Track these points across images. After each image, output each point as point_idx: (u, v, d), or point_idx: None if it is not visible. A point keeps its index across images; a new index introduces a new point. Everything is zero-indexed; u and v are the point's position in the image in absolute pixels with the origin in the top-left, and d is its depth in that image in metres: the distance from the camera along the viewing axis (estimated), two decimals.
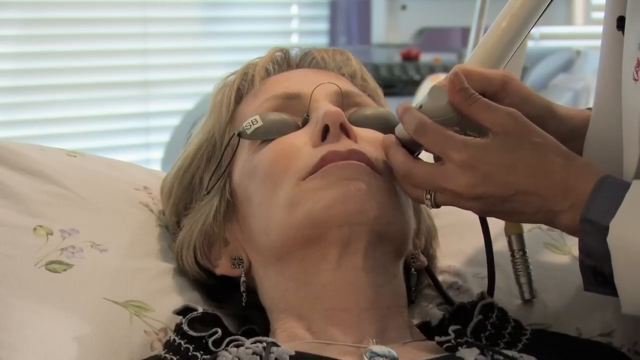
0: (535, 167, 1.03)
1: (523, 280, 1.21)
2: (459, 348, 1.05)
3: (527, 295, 1.21)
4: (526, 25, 1.13)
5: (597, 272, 1.01)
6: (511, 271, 1.22)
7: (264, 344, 1.03)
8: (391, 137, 1.11)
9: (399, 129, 1.10)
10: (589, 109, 1.20)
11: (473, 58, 1.13)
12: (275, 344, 1.03)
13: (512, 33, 1.12)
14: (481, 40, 1.14)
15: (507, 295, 1.22)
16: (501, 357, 1.03)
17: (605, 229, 0.99)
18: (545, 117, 1.13)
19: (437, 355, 1.06)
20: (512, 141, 1.03)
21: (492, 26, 1.13)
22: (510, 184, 1.03)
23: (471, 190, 1.03)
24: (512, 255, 1.22)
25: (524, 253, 1.21)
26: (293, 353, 1.02)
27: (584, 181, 1.02)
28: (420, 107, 1.08)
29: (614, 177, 1.03)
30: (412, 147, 1.10)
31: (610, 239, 0.98)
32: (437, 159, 1.09)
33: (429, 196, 1.06)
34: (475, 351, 1.03)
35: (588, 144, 1.14)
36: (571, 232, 1.04)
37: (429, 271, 1.25)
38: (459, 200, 1.05)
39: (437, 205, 1.07)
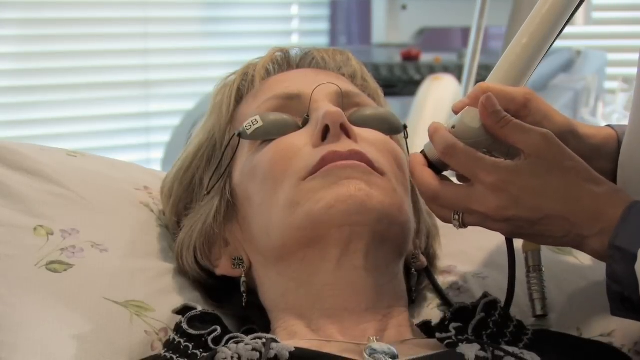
0: (564, 191, 1.03)
1: (537, 296, 1.21)
2: (460, 344, 1.05)
3: (539, 311, 1.20)
4: (546, 41, 1.12)
5: (624, 298, 1.01)
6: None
7: (264, 340, 1.03)
8: (418, 155, 1.11)
9: (428, 147, 1.10)
10: (609, 126, 1.20)
11: (494, 75, 1.13)
12: (275, 340, 1.03)
13: (533, 50, 1.12)
14: (502, 57, 1.14)
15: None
16: (502, 353, 1.03)
17: (634, 257, 0.99)
18: (566, 135, 1.12)
19: (437, 351, 1.06)
20: (543, 164, 1.03)
21: (513, 43, 1.13)
22: (539, 208, 1.03)
23: (501, 212, 1.04)
24: (528, 271, 1.21)
25: (540, 270, 1.21)
26: (293, 349, 1.02)
27: (613, 207, 1.02)
28: (453, 127, 1.08)
29: None
30: (439, 166, 1.10)
31: (638, 267, 0.98)
32: (460, 178, 1.10)
33: (456, 217, 1.06)
34: (476, 347, 1.03)
35: (623, 169, 1.13)
36: (599, 257, 1.04)
37: (428, 274, 1.25)
38: (488, 221, 1.06)
39: (465, 226, 1.07)
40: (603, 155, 1.16)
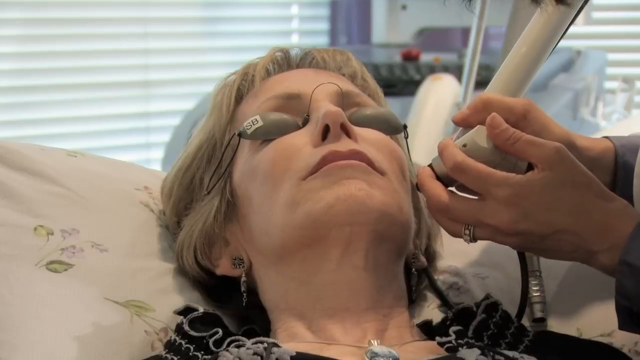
0: (576, 206, 1.03)
1: (536, 300, 1.21)
2: (460, 349, 1.05)
3: (538, 314, 1.20)
4: (546, 50, 1.12)
5: (632, 313, 1.02)
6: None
7: (265, 345, 1.03)
8: (426, 168, 1.11)
9: (436, 161, 1.10)
10: (606, 137, 1.20)
11: (494, 85, 1.13)
12: (276, 345, 1.03)
13: (532, 59, 1.12)
14: (501, 66, 1.14)
15: (507, 295, 1.22)
16: (502, 358, 1.03)
17: None
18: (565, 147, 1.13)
19: (438, 356, 1.06)
20: (555, 179, 1.04)
21: (512, 52, 1.13)
22: (550, 223, 1.04)
23: (512, 226, 1.04)
24: (527, 276, 1.21)
25: (539, 274, 1.21)
26: (294, 353, 1.02)
27: (624, 223, 1.02)
28: (464, 145, 1.08)
29: None
30: (446, 181, 1.09)
31: None
32: (461, 189, 1.09)
33: (467, 231, 1.07)
34: (476, 352, 1.03)
35: (639, 178, 1.13)
36: (608, 272, 1.04)
37: (428, 275, 1.25)
38: (498, 235, 1.06)
39: (475, 240, 1.08)
40: (600, 167, 1.16)
